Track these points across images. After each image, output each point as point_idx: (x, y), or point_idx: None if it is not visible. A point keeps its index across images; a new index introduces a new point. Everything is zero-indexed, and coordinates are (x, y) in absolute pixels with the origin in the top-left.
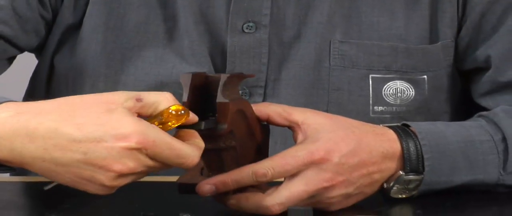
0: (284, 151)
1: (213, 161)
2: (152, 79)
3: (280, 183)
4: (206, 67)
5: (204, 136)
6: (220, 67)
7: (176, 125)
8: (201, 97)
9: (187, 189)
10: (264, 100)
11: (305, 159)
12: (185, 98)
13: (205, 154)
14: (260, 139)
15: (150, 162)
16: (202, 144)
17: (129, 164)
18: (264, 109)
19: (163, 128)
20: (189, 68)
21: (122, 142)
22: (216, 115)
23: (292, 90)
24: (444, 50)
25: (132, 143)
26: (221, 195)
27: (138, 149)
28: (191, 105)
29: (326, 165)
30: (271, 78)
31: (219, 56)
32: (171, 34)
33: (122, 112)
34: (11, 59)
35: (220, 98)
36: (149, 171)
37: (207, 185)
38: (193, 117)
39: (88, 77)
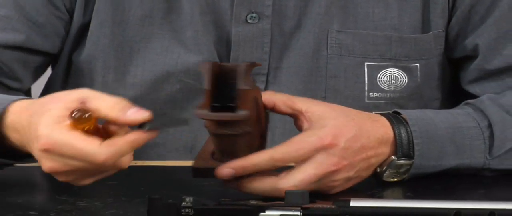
0: (296, 137)
1: (228, 146)
2: (158, 70)
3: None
4: (209, 57)
5: (223, 122)
6: (224, 56)
7: (84, 128)
8: (217, 86)
9: (202, 173)
10: (266, 87)
11: (316, 144)
12: (207, 85)
13: (220, 140)
14: (264, 126)
15: (70, 162)
16: (119, 142)
17: (47, 164)
18: (270, 97)
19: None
20: (193, 57)
21: (37, 144)
22: (237, 102)
23: (292, 77)
24: (436, 40)
25: (41, 145)
26: (233, 180)
27: (47, 150)
28: (212, 92)
29: (333, 150)
30: (273, 66)
31: (223, 46)
32: (175, 25)
33: (47, 115)
34: (38, 70)
35: (241, 85)
36: (83, 170)
37: (227, 169)
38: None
39: (99, 69)
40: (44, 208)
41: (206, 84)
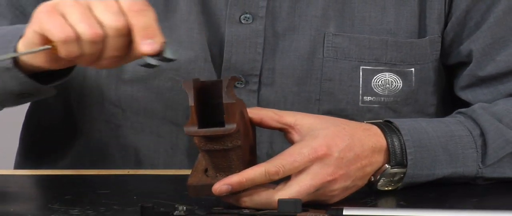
0: (289, 149)
1: (220, 161)
2: None
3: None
4: (202, 56)
5: (212, 137)
6: (217, 56)
7: None
8: (201, 102)
9: (199, 191)
10: (259, 88)
11: (310, 155)
12: (191, 102)
13: (212, 156)
14: (253, 140)
15: None
16: None
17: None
18: (257, 112)
19: None
20: (186, 54)
21: None
22: (224, 116)
23: (286, 79)
24: (432, 45)
25: None
26: (230, 195)
27: None
28: (197, 108)
29: (328, 160)
30: (266, 67)
31: (217, 45)
32: (171, 23)
33: None
34: None
35: (226, 99)
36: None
37: (224, 186)
38: None
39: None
40: None
41: (190, 101)
